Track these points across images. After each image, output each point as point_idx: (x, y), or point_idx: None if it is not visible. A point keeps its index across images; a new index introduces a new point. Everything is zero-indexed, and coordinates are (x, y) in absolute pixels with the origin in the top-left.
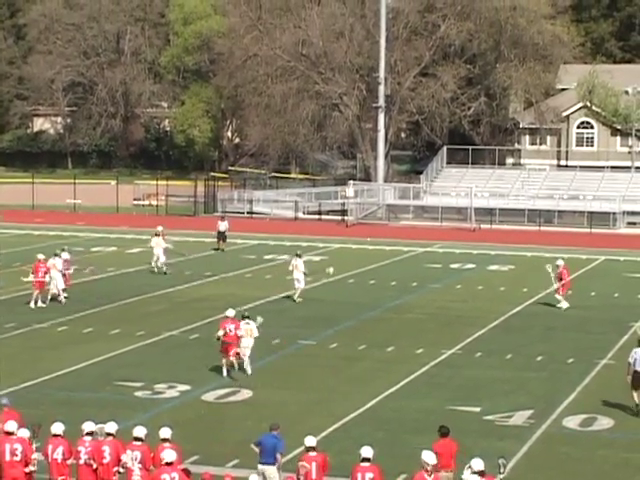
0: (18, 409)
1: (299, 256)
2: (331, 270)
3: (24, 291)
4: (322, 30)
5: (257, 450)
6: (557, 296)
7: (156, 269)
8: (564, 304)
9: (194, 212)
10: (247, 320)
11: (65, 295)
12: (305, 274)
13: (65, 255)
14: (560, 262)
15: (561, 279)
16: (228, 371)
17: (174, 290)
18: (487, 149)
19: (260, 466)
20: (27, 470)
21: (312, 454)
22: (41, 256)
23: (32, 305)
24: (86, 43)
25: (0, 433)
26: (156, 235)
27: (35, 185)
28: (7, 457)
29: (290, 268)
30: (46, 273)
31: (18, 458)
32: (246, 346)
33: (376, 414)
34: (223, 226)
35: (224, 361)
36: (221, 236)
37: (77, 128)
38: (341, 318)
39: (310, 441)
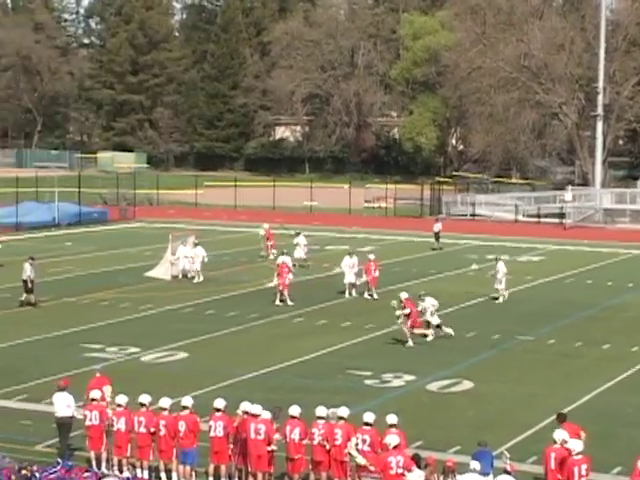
0: (259, 393)
1: (497, 260)
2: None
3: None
4: (543, 43)
5: (477, 465)
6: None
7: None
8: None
9: (420, 214)
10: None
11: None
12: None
13: (371, 256)
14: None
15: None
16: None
17: (402, 286)
18: None
19: (483, 477)
20: (269, 449)
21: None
22: (287, 258)
23: (277, 302)
24: (323, 58)
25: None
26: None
27: (276, 188)
28: (252, 436)
29: (492, 272)
30: (288, 272)
31: (261, 437)
32: None
33: (591, 408)
34: (437, 227)
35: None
36: (436, 236)
37: (314, 136)
38: (558, 316)
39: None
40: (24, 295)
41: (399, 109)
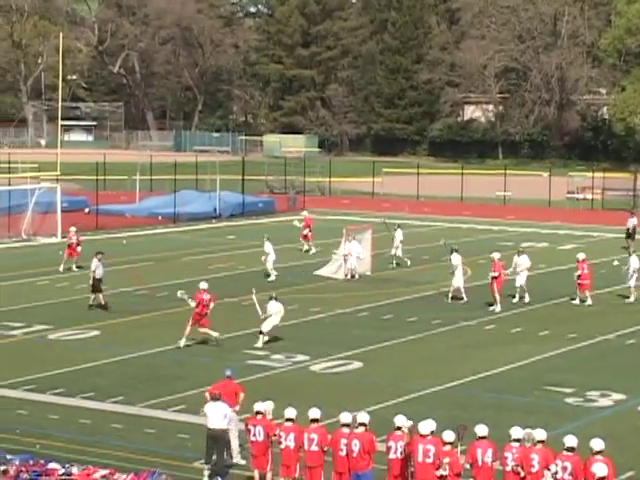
0: (443, 409)
1: (630, 253)
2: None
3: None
4: None
5: None
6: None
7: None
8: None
9: (632, 207)
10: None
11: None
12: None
13: (580, 256)
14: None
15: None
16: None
17: (607, 291)
18: None
19: None
20: (438, 474)
21: None
22: (495, 255)
23: (498, 308)
24: (521, 26)
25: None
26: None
27: (464, 176)
28: (420, 458)
29: (625, 267)
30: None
31: (430, 460)
32: None
33: None
34: (631, 222)
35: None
36: (629, 233)
37: (509, 116)
38: None
39: None
40: (92, 296)
41: (609, 85)
